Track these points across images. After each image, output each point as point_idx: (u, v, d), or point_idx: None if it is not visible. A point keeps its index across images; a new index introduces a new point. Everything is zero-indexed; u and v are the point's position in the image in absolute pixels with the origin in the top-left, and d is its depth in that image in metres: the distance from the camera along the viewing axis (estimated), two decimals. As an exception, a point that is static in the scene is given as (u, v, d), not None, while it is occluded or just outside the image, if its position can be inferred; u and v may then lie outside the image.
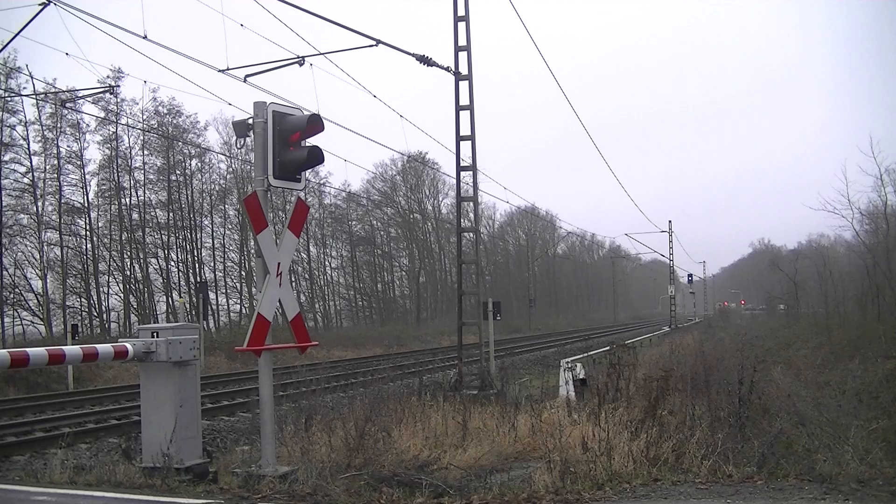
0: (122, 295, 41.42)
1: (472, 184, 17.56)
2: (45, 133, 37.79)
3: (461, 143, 16.28)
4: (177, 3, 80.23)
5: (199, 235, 45.97)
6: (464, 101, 16.10)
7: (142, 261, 42.32)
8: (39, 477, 7.35)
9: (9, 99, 34.55)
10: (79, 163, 39.41)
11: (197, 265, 45.69)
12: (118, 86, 35.62)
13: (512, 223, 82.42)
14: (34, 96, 33.50)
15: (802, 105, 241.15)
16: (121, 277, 41.51)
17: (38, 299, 36.93)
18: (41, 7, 13.18)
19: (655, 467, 6.72)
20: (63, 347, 6.80)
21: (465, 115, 16.15)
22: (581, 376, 14.62)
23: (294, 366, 22.96)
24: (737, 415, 8.52)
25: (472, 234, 18.16)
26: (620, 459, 7.01)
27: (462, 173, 17.21)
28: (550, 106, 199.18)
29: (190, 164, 45.86)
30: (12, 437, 12.76)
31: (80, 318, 38.61)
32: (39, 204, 37.26)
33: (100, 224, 41.18)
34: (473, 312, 18.52)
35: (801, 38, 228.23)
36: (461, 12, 16.09)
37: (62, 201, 38.31)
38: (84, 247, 39.79)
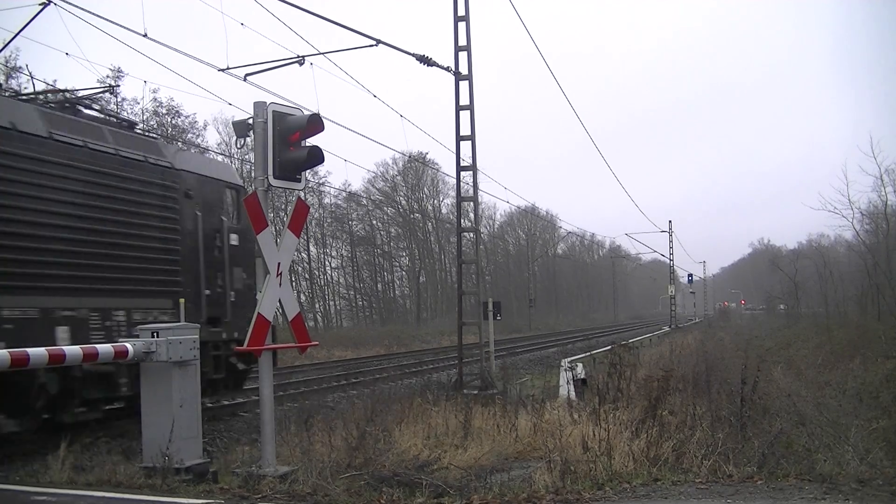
0: (122, 295, 41.32)
1: (472, 184, 17.55)
2: (45, 133, 37.78)
3: (461, 142, 16.26)
4: (177, 2, 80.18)
5: (199, 235, 45.84)
6: (464, 101, 16.07)
7: (142, 261, 42.18)
8: (39, 477, 7.34)
9: (9, 99, 34.52)
10: (79, 163, 39.38)
11: (197, 265, 45.56)
12: (118, 85, 35.51)
13: (512, 223, 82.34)
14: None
15: (803, 105, 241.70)
16: (121, 277, 41.40)
17: (38, 299, 36.86)
18: (41, 7, 13.16)
19: (656, 467, 6.72)
20: (63, 347, 6.80)
21: (465, 114, 16.12)
22: (582, 376, 14.65)
23: (294, 366, 22.99)
24: (738, 414, 8.51)
25: (472, 234, 18.14)
26: (621, 459, 7.01)
27: (462, 173, 17.19)
28: (551, 106, 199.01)
29: (190, 164, 45.79)
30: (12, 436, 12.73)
31: (80, 318, 38.53)
32: (39, 204, 37.21)
33: (100, 224, 41.10)
34: (473, 312, 18.50)
35: (801, 38, 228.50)
36: (461, 12, 16.06)
37: (62, 201, 38.25)
38: (84, 247, 39.72)
